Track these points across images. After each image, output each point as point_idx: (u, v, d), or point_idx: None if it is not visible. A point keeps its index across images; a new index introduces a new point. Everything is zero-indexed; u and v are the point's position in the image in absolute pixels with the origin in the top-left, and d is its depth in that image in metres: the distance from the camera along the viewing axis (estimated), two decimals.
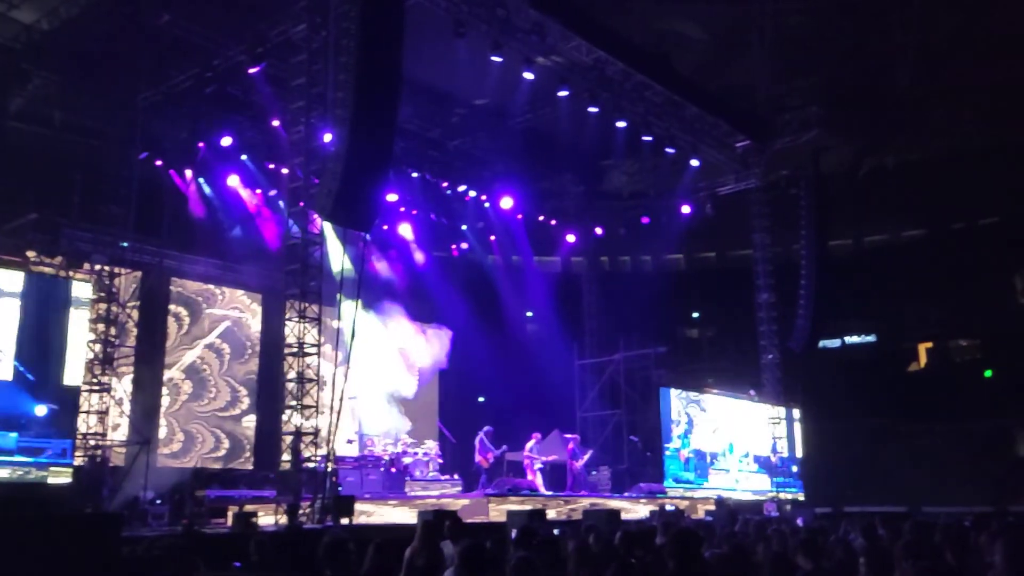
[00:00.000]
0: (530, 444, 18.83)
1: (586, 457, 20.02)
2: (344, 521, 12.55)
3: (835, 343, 28.83)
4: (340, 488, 14.49)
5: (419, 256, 23.54)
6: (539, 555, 6.00)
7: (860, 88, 22.20)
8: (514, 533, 7.68)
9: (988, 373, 27.41)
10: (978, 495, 20.57)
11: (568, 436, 20.81)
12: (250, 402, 20.03)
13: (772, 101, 21.41)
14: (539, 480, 18.58)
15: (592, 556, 5.61)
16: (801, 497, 22.81)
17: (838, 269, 23.71)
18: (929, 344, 29.15)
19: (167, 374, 18.85)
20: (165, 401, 18.72)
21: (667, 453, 20.63)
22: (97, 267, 16.12)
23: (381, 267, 21.92)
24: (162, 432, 18.53)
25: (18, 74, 16.54)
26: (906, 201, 26.86)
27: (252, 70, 15.99)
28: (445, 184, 22.20)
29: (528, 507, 14.45)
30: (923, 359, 29.33)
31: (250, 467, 19.46)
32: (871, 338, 29.23)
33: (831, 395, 25.06)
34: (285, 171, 17.49)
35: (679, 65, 19.55)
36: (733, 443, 22.56)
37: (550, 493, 17.98)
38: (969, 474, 22.92)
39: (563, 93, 18.04)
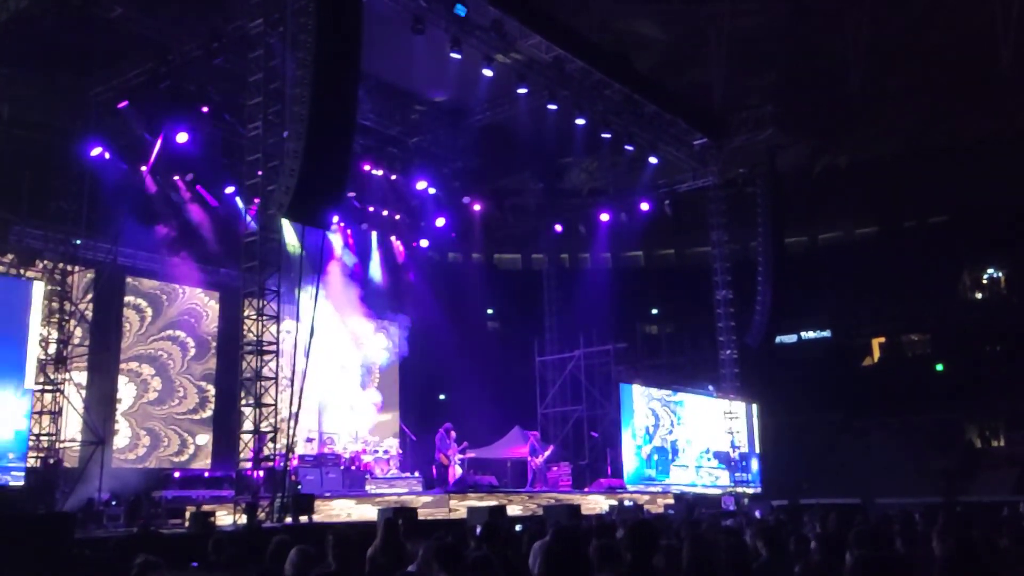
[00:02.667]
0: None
1: (546, 453, 20.10)
2: (304, 519, 12.48)
3: (791, 338, 29.33)
4: (300, 487, 14.40)
5: (378, 253, 23.43)
6: (502, 551, 6.03)
7: (814, 88, 22.60)
8: (478, 530, 7.70)
9: (939, 367, 28.10)
10: (929, 487, 21.09)
11: (528, 432, 20.89)
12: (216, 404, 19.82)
13: (729, 100, 21.69)
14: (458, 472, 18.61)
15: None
16: (756, 490, 23.15)
17: (794, 266, 24.11)
18: (882, 339, 29.82)
19: (133, 370, 18.66)
20: (128, 401, 18.47)
21: (630, 448, 20.75)
22: (49, 265, 15.79)
23: (340, 264, 21.76)
24: (125, 433, 18.28)
25: None
26: (859, 199, 27.47)
27: (208, 65, 15.77)
28: (405, 181, 22.12)
29: (489, 503, 14.49)
30: (876, 353, 29.98)
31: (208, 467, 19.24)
32: (826, 333, 29.79)
33: (788, 390, 25.52)
34: (242, 167, 17.34)
35: (638, 64, 19.72)
36: (694, 439, 22.82)
37: (514, 490, 18.04)
38: (921, 466, 23.48)
39: (522, 90, 18.08)
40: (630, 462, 20.62)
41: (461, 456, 18.96)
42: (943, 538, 6.14)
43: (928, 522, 8.34)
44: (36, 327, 15.46)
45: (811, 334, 29.79)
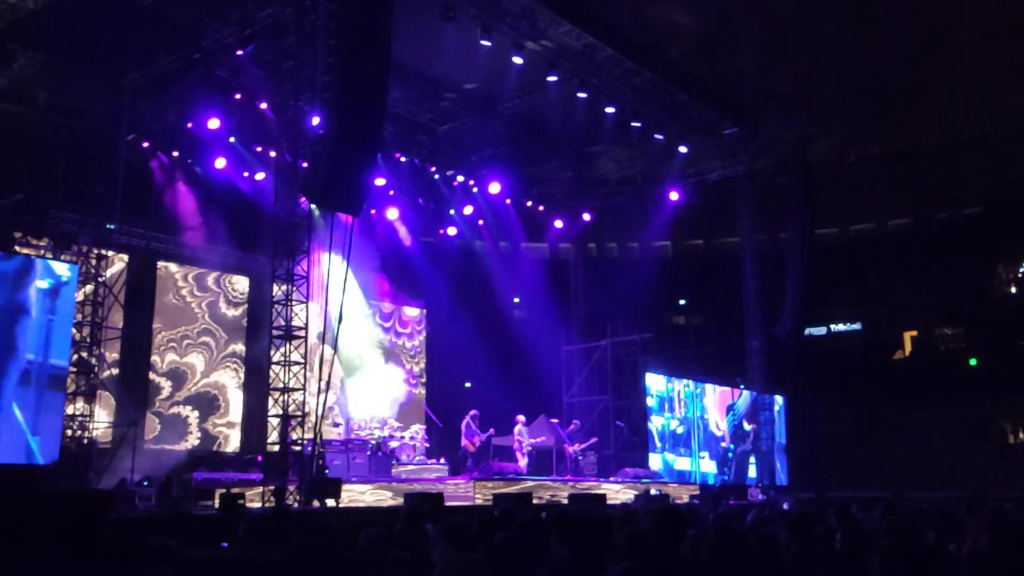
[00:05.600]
0: (517, 427, 18.92)
1: (582, 445, 20.04)
2: (331, 503, 12.62)
3: (821, 331, 29.04)
4: (327, 471, 14.55)
5: (407, 241, 23.53)
6: (526, 538, 6.06)
7: (847, 77, 22.26)
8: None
9: (973, 361, 27.67)
10: (962, 481, 20.82)
11: (554, 422, 20.89)
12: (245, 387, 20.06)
13: (760, 89, 21.44)
14: (523, 463, 18.70)
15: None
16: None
17: (824, 257, 23.80)
18: (914, 332, 29.41)
19: (166, 352, 18.92)
20: (159, 383, 18.74)
21: (650, 428, 20.64)
22: (84, 249, 16.04)
23: (369, 251, 21.88)
24: (157, 415, 18.57)
25: (3, 53, 16.36)
26: (892, 190, 27.03)
27: (240, 52, 15.90)
28: (433, 169, 22.17)
29: (514, 491, 14.57)
30: (908, 347, 29.58)
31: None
32: (857, 326, 29.45)
33: (817, 382, 25.26)
34: (273, 154, 17.48)
35: (668, 52, 19.55)
36: (719, 430, 22.73)
37: (539, 477, 18.09)
38: (953, 461, 23.19)
39: (552, 78, 18.02)
40: (655, 452, 20.57)
41: (531, 444, 18.96)
42: (977, 532, 6.08)
43: (960, 516, 8.25)
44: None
45: (841, 326, 29.46)
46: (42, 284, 14.26)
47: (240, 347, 20.24)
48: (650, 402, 20.67)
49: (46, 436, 13.85)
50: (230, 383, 19.89)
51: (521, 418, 19.06)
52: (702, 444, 21.93)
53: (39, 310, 14.09)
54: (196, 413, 19.34)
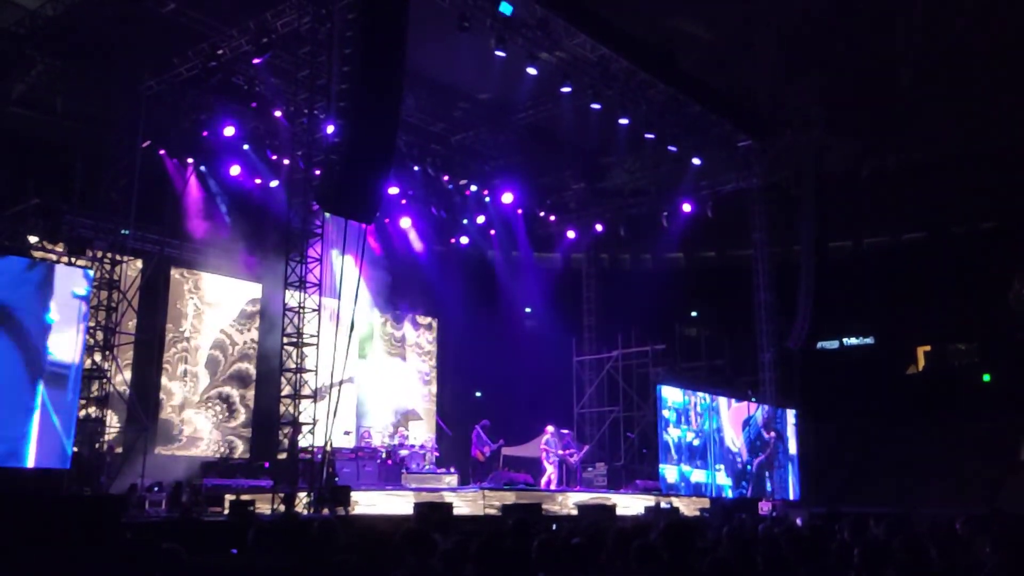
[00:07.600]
0: (545, 437, 18.89)
1: (579, 454, 20.00)
2: (340, 511, 12.61)
3: (834, 344, 28.89)
4: (337, 479, 14.55)
5: (419, 249, 23.56)
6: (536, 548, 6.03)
7: (863, 89, 22.21)
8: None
9: (987, 377, 27.46)
10: (975, 497, 20.63)
11: (564, 431, 20.86)
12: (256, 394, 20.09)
13: (775, 100, 21.40)
14: (554, 472, 18.68)
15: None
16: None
17: (838, 270, 23.68)
18: (927, 347, 29.23)
19: (178, 358, 19.00)
20: (170, 388, 18.79)
21: (667, 440, 20.56)
22: (99, 254, 16.13)
23: (380, 259, 21.92)
24: (168, 420, 18.63)
25: (21, 60, 16.53)
26: (907, 204, 26.90)
27: (256, 61, 16.01)
28: (446, 178, 22.21)
29: (523, 501, 14.52)
30: (921, 362, 29.40)
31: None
32: (869, 340, 29.30)
33: (829, 396, 25.12)
34: (287, 162, 17.57)
35: (682, 63, 19.55)
36: (729, 442, 22.62)
37: (549, 488, 18.04)
38: (966, 477, 23.01)
39: (566, 89, 18.04)
40: (666, 464, 20.48)
41: (558, 455, 18.88)
42: (997, 547, 6.00)
43: (973, 532, 8.16)
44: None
45: (854, 340, 29.31)
46: (79, 291, 14.68)
47: (253, 352, 20.28)
48: (667, 414, 20.59)
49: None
50: (206, 424, 19.73)
51: (550, 428, 19.02)
52: (718, 457, 21.85)
53: (76, 317, 14.45)
54: (208, 419, 19.38)
